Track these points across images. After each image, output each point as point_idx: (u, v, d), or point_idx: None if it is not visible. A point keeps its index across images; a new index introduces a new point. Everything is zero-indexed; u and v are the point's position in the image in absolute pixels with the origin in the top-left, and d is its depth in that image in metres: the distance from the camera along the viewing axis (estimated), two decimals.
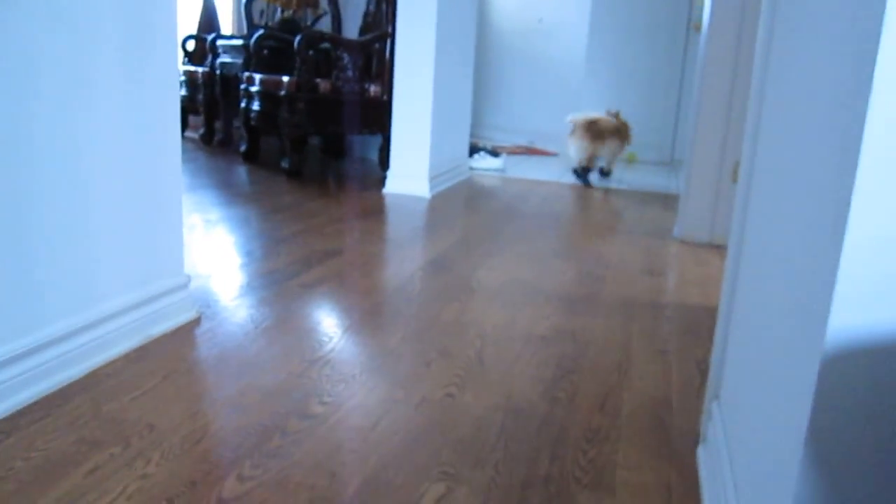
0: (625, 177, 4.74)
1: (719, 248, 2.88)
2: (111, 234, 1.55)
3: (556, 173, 4.71)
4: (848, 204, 0.60)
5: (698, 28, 5.29)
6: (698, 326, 1.99)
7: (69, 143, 1.40)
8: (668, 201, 3.90)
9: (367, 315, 1.92)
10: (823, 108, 0.76)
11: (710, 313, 2.09)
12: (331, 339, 1.74)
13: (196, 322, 1.79)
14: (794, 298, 0.77)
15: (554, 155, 5.63)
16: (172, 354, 1.60)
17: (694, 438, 1.37)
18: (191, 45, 5.60)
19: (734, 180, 2.87)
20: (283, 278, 2.18)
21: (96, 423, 1.29)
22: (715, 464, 1.14)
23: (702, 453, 1.28)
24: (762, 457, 0.84)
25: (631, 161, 5.51)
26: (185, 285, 1.79)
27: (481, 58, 6.28)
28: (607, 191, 4.17)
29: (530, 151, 5.69)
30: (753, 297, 1.06)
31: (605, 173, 4.49)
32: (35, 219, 1.35)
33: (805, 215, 0.78)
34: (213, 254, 2.43)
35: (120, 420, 1.31)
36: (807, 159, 0.81)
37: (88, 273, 1.50)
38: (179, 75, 5.43)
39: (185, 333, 1.72)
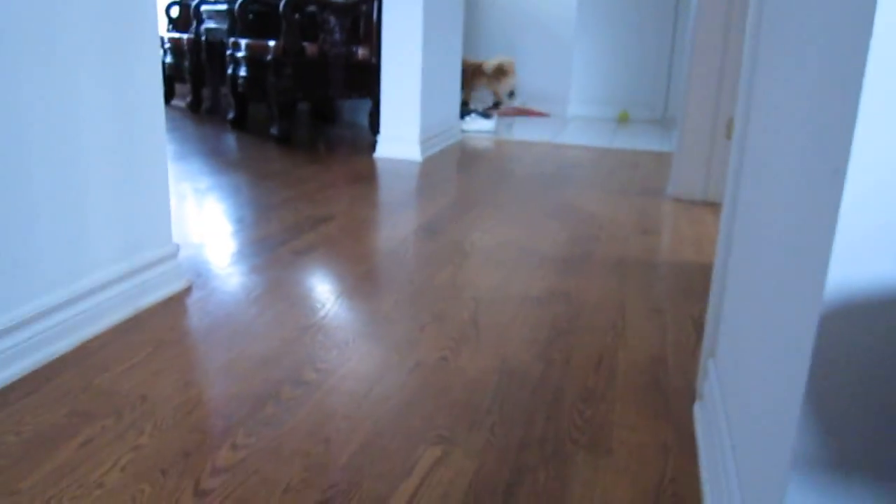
0: (617, 136, 4.70)
1: (714, 206, 2.86)
2: (97, 205, 1.52)
3: (547, 133, 4.67)
4: (847, 154, 0.58)
5: None
6: (693, 284, 1.98)
7: (54, 116, 1.37)
8: (661, 159, 3.87)
9: (360, 280, 1.90)
10: (820, 57, 0.74)
11: (705, 271, 2.08)
12: (323, 305, 1.73)
13: (187, 291, 1.78)
14: (792, 253, 0.76)
15: (546, 116, 5.58)
16: (163, 325, 1.58)
17: (690, 397, 1.37)
18: (175, 12, 5.50)
19: (728, 137, 2.85)
20: (274, 245, 2.16)
21: (87, 395, 1.28)
22: (712, 421, 1.13)
23: (698, 411, 1.28)
24: (760, 414, 0.83)
25: (623, 120, 5.47)
26: (174, 254, 1.77)
27: (471, 17, 6.18)
28: (599, 150, 4.14)
29: (522, 112, 5.63)
30: (750, 254, 1.05)
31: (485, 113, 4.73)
32: (20, 192, 1.32)
33: (802, 168, 0.76)
34: (203, 222, 2.40)
35: (111, 392, 1.30)
36: (803, 111, 0.79)
37: (75, 245, 1.48)
38: (163, 42, 5.36)
39: (176, 303, 1.70)
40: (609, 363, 1.49)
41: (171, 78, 5.42)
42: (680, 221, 2.64)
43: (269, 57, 3.77)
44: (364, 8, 3.89)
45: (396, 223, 2.46)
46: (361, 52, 3.88)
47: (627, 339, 1.61)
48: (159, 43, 1.66)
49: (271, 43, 3.77)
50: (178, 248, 1.79)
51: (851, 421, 0.63)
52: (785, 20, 0.97)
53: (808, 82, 0.78)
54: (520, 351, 1.53)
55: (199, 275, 1.89)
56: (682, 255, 2.23)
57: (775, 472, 0.71)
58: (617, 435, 1.23)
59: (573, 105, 5.68)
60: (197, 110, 5.10)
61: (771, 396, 0.77)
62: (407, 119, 3.59)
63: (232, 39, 4.14)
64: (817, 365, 0.62)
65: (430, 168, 3.44)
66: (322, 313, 1.68)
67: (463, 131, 4.47)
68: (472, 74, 5.21)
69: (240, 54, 4.03)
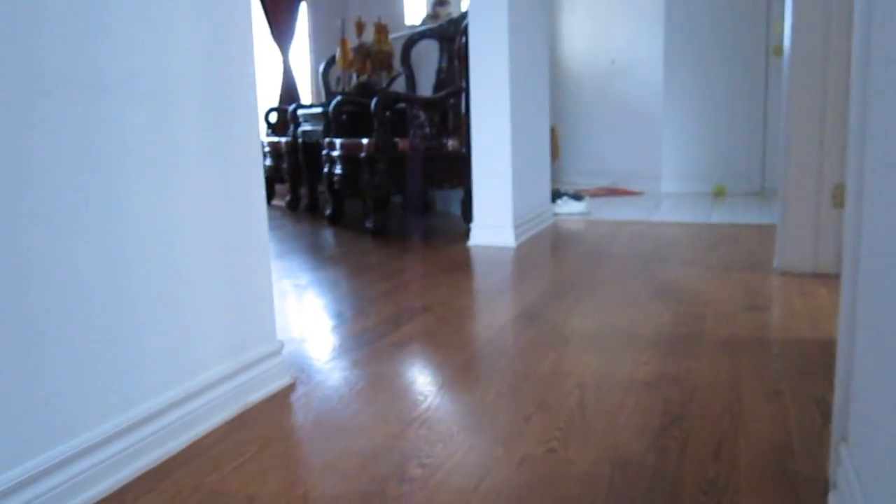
0: (714, 210, 4.59)
1: (825, 278, 2.72)
2: (203, 304, 1.57)
3: (642, 212, 4.61)
4: None
5: (778, 51, 5.14)
6: (812, 362, 1.86)
7: (159, 219, 1.44)
8: (763, 232, 3.74)
9: (461, 371, 1.88)
10: None
11: (822, 347, 1.96)
12: (426, 397, 1.71)
13: (291, 388, 1.79)
14: None
15: (638, 194, 5.52)
16: (269, 422, 1.60)
17: (822, 486, 1.26)
18: (273, 117, 5.81)
19: (835, 205, 2.73)
20: (374, 338, 2.17)
21: (197, 496, 1.29)
22: None
23: (833, 502, 1.18)
24: None
25: (719, 194, 5.35)
26: (278, 351, 1.80)
27: (557, 103, 6.27)
28: (697, 226, 4.04)
29: (613, 192, 5.60)
30: (881, 325, 0.97)
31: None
32: (131, 293, 1.38)
33: None
34: (304, 318, 2.45)
35: (220, 492, 1.30)
36: None
37: (184, 345, 1.52)
38: (264, 146, 5.65)
39: (281, 400, 1.72)
40: (729, 451, 1.40)
41: (270, 179, 5.69)
42: (790, 296, 2.52)
43: (362, 154, 3.90)
44: (452, 101, 4.00)
45: (494, 311, 2.44)
46: (452, 143, 3.97)
47: (746, 423, 1.52)
48: (260, 149, 1.74)
49: (364, 141, 3.90)
50: (282, 344, 1.82)
51: None
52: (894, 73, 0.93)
53: None
54: (631, 440, 1.46)
55: (302, 370, 1.91)
56: (797, 332, 2.12)
57: None
58: None
59: (666, 182, 5.61)
60: (296, 209, 5.30)
61: None
62: (499, 206, 3.62)
63: (327, 139, 4.32)
64: None
65: (525, 253, 3.43)
66: (424, 406, 1.66)
67: (555, 214, 4.46)
68: None
69: (335, 153, 4.19)
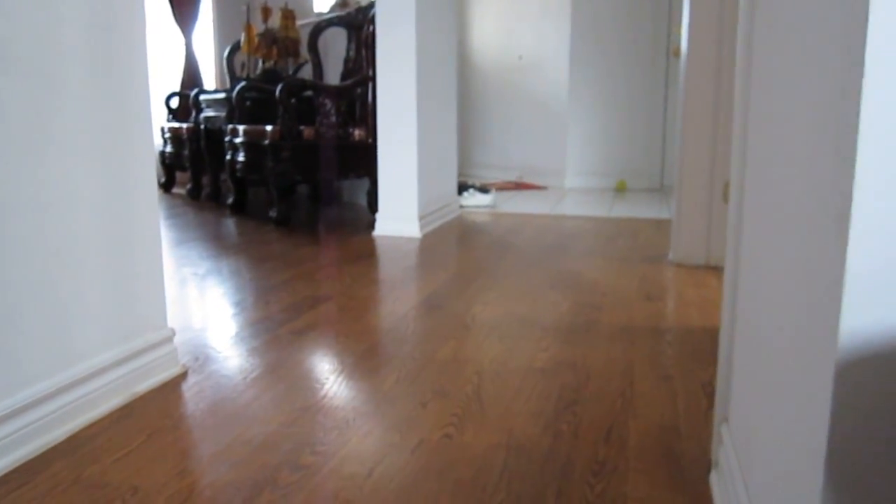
0: (615, 205, 4.72)
1: (716, 270, 2.83)
2: (86, 290, 1.50)
3: (546, 206, 4.69)
4: (849, 200, 0.56)
5: (677, 52, 5.32)
6: (701, 349, 1.94)
7: (35, 197, 1.36)
8: (660, 226, 3.87)
9: (360, 359, 1.86)
10: (812, 111, 0.72)
11: (712, 335, 2.03)
12: (323, 385, 1.68)
13: (182, 376, 1.74)
14: (800, 309, 0.73)
15: (543, 189, 5.62)
16: (157, 411, 1.54)
17: (706, 465, 1.31)
18: (175, 102, 5.61)
19: (725, 200, 2.84)
20: (273, 326, 2.12)
21: (76, 488, 1.23)
22: (729, 490, 1.08)
23: (715, 480, 1.22)
24: (779, 479, 0.78)
25: (621, 189, 5.50)
26: (169, 339, 1.74)
27: (465, 97, 6.30)
28: (599, 220, 4.14)
29: (520, 186, 5.68)
30: (756, 314, 1.02)
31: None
32: (7, 279, 1.30)
33: (803, 222, 0.73)
34: (202, 306, 2.38)
35: (102, 484, 1.24)
36: (799, 167, 0.77)
37: (64, 332, 1.45)
38: (164, 132, 5.45)
39: (172, 389, 1.66)
40: (619, 433, 1.44)
41: (171, 167, 5.49)
42: (683, 287, 2.61)
43: (266, 141, 3.81)
44: (359, 90, 3.96)
45: (396, 300, 2.43)
46: (358, 132, 3.93)
47: (637, 407, 1.56)
48: (152, 129, 1.67)
49: (268, 128, 3.82)
50: (173, 332, 1.76)
51: (879, 481, 0.58)
52: (774, 76, 0.97)
53: (803, 133, 0.77)
54: (526, 424, 1.48)
55: (197, 359, 1.86)
56: (688, 321, 2.20)
57: None
58: None
59: (570, 177, 5.73)
60: (197, 197, 5.14)
61: (789, 460, 0.73)
62: (405, 196, 3.61)
63: (230, 126, 4.20)
64: (837, 424, 0.59)
65: (430, 244, 3.43)
66: (321, 394, 1.63)
67: (461, 206, 4.48)
68: None
69: (238, 140, 4.08)
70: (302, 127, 3.84)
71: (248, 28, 4.92)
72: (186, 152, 5.08)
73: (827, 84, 0.66)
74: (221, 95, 4.57)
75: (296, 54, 4.99)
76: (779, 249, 0.87)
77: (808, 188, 0.72)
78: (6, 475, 1.27)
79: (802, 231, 0.73)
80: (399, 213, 3.63)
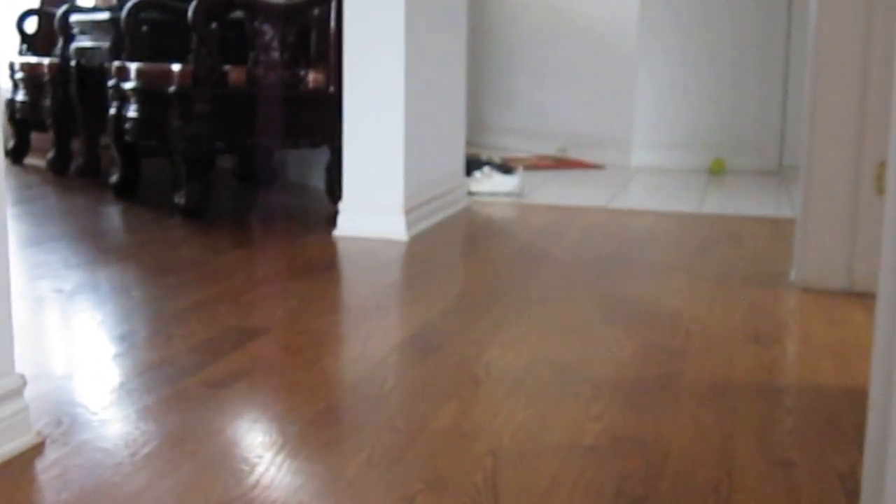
0: (709, 195, 4.73)
1: (863, 298, 2.83)
2: None
3: (602, 195, 4.70)
4: None
5: None
6: (838, 421, 1.94)
7: None
8: (778, 229, 3.88)
9: (312, 427, 1.87)
10: None
11: (855, 400, 2.03)
12: (253, 468, 1.69)
13: (37, 450, 1.74)
14: None
15: (598, 168, 5.63)
16: None
17: None
18: (31, 25, 5.62)
19: (880, 192, 2.84)
20: (177, 375, 2.13)
21: None
22: None
23: None
24: None
25: (717, 171, 5.50)
26: (17, 392, 1.74)
27: (480, 29, 6.32)
28: (683, 218, 4.15)
29: (561, 164, 5.70)
30: None
31: None
32: None
33: None
34: (68, 342, 2.39)
35: None
36: None
37: None
38: (14, 69, 5.47)
39: (20, 468, 1.66)
40: None
41: (24, 124, 5.49)
42: (812, 323, 2.62)
43: (172, 88, 3.82)
44: (316, 12, 3.97)
45: (369, 336, 2.43)
46: (313, 77, 3.94)
47: None
48: None
49: (176, 67, 3.83)
50: (23, 382, 1.76)
51: None
52: None
53: None
54: None
55: (59, 423, 1.86)
56: (819, 376, 2.20)
57: None
58: None
59: (639, 152, 5.74)
60: (64, 171, 5.16)
61: None
62: (384, 177, 3.61)
63: (117, 64, 4.21)
64: None
65: (422, 251, 3.44)
66: (251, 481, 1.64)
67: (471, 193, 4.49)
68: None
69: (128, 85, 4.10)
70: (227, 67, 3.86)
71: None
72: (48, 102, 5.10)
73: None
74: (104, 16, 4.59)
75: None
76: None
77: None
78: None
79: None
80: (374, 203, 3.63)
